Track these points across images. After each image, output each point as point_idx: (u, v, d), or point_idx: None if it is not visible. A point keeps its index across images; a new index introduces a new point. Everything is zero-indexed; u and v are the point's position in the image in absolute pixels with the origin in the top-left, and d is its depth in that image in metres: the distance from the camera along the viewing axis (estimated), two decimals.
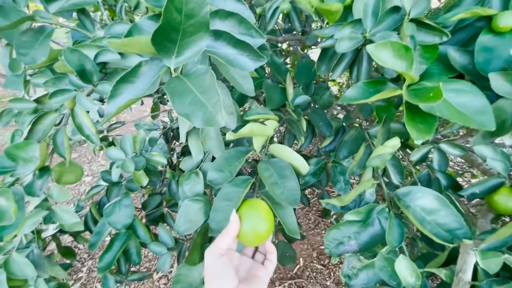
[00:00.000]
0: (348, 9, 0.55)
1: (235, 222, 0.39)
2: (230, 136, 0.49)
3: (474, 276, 0.40)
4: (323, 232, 2.09)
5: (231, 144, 0.69)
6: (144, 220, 0.84)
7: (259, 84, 0.74)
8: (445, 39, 0.43)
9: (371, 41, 0.51)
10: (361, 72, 0.53)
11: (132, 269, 0.98)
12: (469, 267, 0.38)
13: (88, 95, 0.43)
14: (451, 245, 0.41)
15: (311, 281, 1.75)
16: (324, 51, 0.61)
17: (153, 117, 0.98)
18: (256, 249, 0.46)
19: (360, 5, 0.50)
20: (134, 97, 0.30)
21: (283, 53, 1.37)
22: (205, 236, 0.55)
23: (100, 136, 1.00)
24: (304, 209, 2.27)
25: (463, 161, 1.77)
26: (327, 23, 0.60)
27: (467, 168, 1.68)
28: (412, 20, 0.44)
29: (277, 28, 0.97)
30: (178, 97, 0.28)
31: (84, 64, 0.40)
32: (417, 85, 0.40)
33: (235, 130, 0.47)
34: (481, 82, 0.42)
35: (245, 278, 0.40)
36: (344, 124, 0.79)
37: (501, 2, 0.44)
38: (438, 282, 0.48)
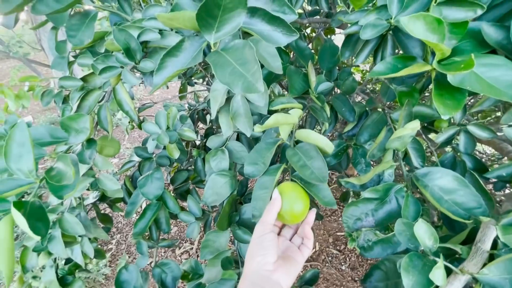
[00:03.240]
0: None
1: (277, 198, 0.43)
2: (257, 128, 0.53)
3: (493, 248, 0.41)
4: (340, 219, 2.10)
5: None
6: (172, 194, 0.90)
7: (283, 69, 0.75)
8: (480, 12, 0.43)
9: (396, 28, 0.51)
10: (385, 58, 0.53)
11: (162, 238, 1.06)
12: (488, 239, 0.39)
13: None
14: (467, 221, 0.42)
15: (327, 265, 1.79)
16: (349, 36, 0.61)
17: (180, 98, 1.02)
18: (295, 232, 0.48)
19: None
20: (178, 69, 0.34)
21: (307, 38, 1.36)
22: (233, 206, 0.59)
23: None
24: None
25: (493, 151, 1.69)
26: (353, 8, 0.60)
27: (496, 159, 1.61)
28: (441, 2, 0.43)
29: (302, 11, 0.97)
30: (220, 67, 0.31)
31: (129, 43, 0.44)
32: (448, 60, 0.41)
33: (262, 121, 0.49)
34: None
35: (282, 257, 0.43)
36: (367, 109, 0.80)
37: None
38: None
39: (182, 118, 0.64)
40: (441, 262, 0.33)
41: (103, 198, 0.82)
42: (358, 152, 0.76)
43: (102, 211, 0.87)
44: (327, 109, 0.66)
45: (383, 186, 0.51)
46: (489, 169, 0.63)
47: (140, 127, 0.78)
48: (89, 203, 0.81)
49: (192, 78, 0.94)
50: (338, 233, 2.00)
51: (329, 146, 0.51)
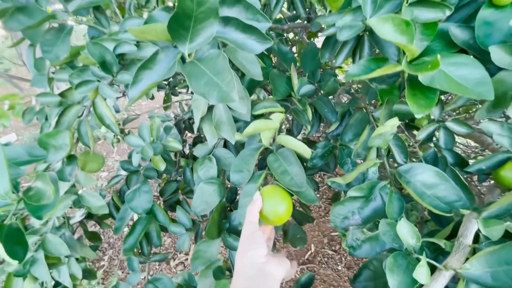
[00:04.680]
0: None
1: (258, 198, 0.46)
2: (237, 137, 0.53)
3: (475, 242, 0.42)
4: None
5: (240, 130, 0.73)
6: (162, 206, 0.89)
7: (266, 74, 0.76)
8: (448, 12, 0.44)
9: (371, 28, 0.53)
10: (363, 58, 0.54)
11: (153, 251, 1.03)
12: (470, 233, 0.40)
13: (110, 84, 0.46)
14: (449, 215, 0.43)
15: (323, 266, 1.79)
16: (327, 38, 0.62)
17: (165, 108, 1.02)
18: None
19: None
20: (153, 82, 0.34)
21: (289, 42, 1.38)
22: (222, 213, 0.59)
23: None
24: None
25: (477, 145, 1.74)
26: (330, 10, 0.61)
27: (480, 151, 1.66)
28: (412, 3, 0.45)
29: (282, 17, 0.99)
30: (194, 78, 0.31)
31: (104, 56, 0.43)
32: (418, 60, 0.42)
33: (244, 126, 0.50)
34: (483, 57, 0.43)
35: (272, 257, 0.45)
36: (349, 108, 0.81)
37: None
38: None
39: (166, 128, 0.64)
40: (423, 261, 0.34)
41: (90, 215, 0.80)
42: (344, 152, 0.77)
43: (92, 227, 0.85)
44: (309, 111, 0.67)
45: (368, 184, 0.52)
46: (471, 162, 0.65)
47: None
48: (76, 222, 0.79)
49: (176, 88, 0.93)
50: (333, 233, 2.01)
51: (307, 152, 0.52)
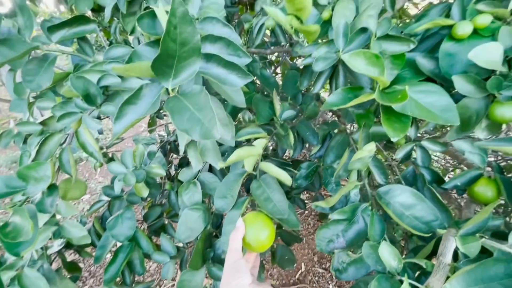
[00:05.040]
0: (328, 23, 0.60)
1: (241, 225, 0.46)
2: (221, 164, 0.54)
3: (455, 260, 0.44)
4: None
5: (226, 154, 0.74)
6: (146, 232, 0.87)
7: (249, 98, 0.78)
8: (412, 46, 0.48)
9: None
10: (339, 85, 0.58)
11: (137, 280, 1.00)
12: (449, 251, 0.42)
13: (97, 117, 0.47)
14: (427, 235, 0.45)
15: (314, 285, 1.77)
16: (305, 67, 0.66)
17: (150, 131, 1.02)
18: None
19: (337, 21, 0.55)
20: (138, 117, 0.34)
21: (273, 64, 1.43)
22: (207, 241, 0.58)
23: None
24: (303, 215, 2.30)
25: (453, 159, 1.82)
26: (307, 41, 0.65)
27: (457, 164, 1.74)
28: (380, 37, 0.49)
29: (265, 41, 1.03)
30: (177, 114, 0.32)
31: (88, 89, 0.44)
32: (390, 88, 0.45)
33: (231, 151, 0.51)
34: (448, 84, 0.47)
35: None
36: (330, 131, 0.84)
37: (459, 13, 0.49)
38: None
39: (150, 154, 0.63)
40: (406, 283, 0.35)
41: (69, 244, 0.77)
42: (328, 173, 0.79)
43: (71, 256, 0.81)
44: (291, 136, 0.69)
45: (350, 207, 0.53)
46: (451, 176, 0.68)
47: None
48: (54, 252, 0.75)
49: (161, 111, 0.94)
50: None
51: (288, 180, 0.55)
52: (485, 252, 0.46)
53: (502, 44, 0.41)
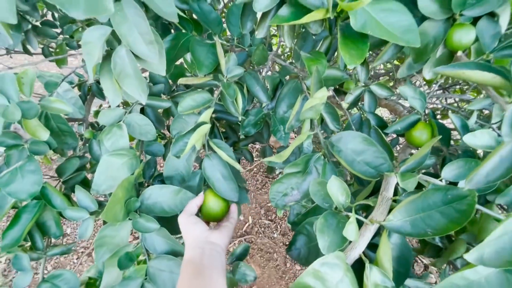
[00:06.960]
0: None
1: (201, 195, 0.53)
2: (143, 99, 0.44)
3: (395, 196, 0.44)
4: None
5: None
6: (62, 189, 0.72)
7: (185, 43, 0.61)
8: None
9: None
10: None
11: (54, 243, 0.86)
12: (391, 187, 0.41)
13: None
14: (376, 179, 0.43)
15: (260, 235, 1.85)
16: (246, 4, 0.55)
17: (59, 64, 0.78)
18: None
19: None
20: None
21: None
22: (130, 190, 0.48)
23: None
24: (251, 171, 2.32)
25: (390, 116, 1.98)
26: None
27: (395, 120, 1.90)
28: None
29: None
30: None
31: None
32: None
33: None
34: (412, 4, 0.42)
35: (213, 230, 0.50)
36: (281, 79, 0.76)
37: None
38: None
39: (48, 85, 0.47)
40: (353, 217, 0.32)
41: None
42: (277, 119, 0.73)
43: None
44: (239, 99, 0.61)
45: (302, 158, 0.50)
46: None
47: None
48: None
49: (73, 38, 0.72)
50: (269, 204, 2.07)
51: (238, 166, 0.56)
52: (419, 188, 0.48)
53: None
